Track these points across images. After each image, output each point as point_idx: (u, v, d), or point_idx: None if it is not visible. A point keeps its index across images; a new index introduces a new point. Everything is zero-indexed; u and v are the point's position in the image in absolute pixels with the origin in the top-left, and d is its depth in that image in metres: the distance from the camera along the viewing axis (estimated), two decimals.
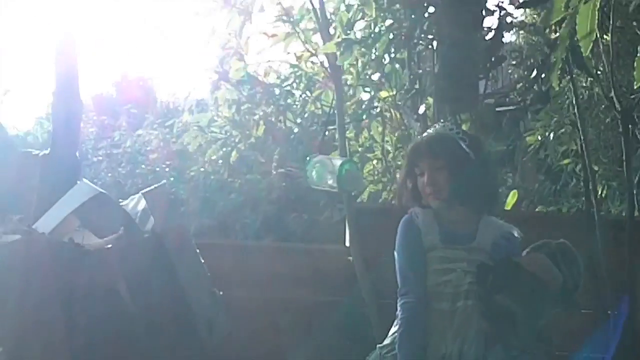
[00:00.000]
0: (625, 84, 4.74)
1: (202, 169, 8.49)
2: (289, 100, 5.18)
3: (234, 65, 4.95)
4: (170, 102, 15.28)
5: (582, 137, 4.09)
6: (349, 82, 4.57)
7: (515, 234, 3.11)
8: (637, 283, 3.94)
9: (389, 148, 5.22)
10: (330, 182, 3.66)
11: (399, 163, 5.50)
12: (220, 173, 9.22)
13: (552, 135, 6.45)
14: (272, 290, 3.84)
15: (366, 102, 4.75)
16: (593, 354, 3.80)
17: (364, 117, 4.66)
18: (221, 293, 3.19)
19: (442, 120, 3.11)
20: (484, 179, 3.07)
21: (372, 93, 4.57)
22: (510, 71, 7.97)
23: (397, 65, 4.21)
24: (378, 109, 4.62)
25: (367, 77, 4.45)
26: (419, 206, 3.06)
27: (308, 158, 3.62)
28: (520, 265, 2.94)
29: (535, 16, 7.92)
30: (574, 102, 4.09)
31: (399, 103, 4.23)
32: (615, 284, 3.91)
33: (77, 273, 3.10)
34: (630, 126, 4.00)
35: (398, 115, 4.36)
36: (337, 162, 3.65)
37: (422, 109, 3.89)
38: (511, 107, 6.82)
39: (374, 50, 4.03)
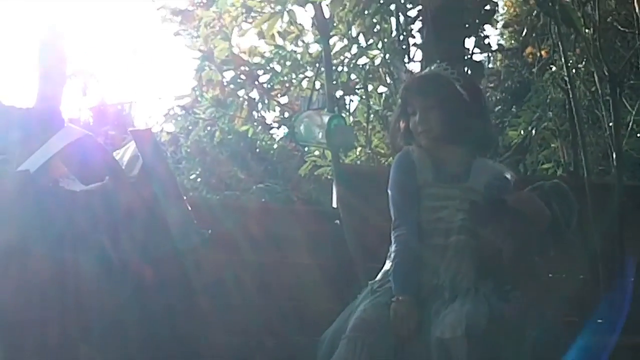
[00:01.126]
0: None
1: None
2: (273, 84, 5.15)
3: (218, 45, 4.92)
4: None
5: (572, 100, 4.06)
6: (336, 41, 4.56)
7: (508, 176, 3.11)
8: (625, 247, 3.92)
9: (374, 133, 5.23)
10: (319, 137, 3.64)
11: (382, 151, 5.50)
12: (199, 190, 9.16)
13: (534, 131, 6.48)
14: (258, 252, 3.77)
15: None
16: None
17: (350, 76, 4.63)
18: (210, 231, 3.13)
19: (438, 61, 3.09)
20: (478, 120, 3.05)
21: (360, 49, 4.54)
22: (488, 94, 8.04)
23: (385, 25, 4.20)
24: (367, 68, 4.59)
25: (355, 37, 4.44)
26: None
27: (295, 115, 3.59)
28: (506, 203, 2.93)
29: (513, 41, 8.02)
30: (562, 60, 4.05)
31: (388, 61, 4.22)
32: (607, 248, 3.88)
33: (58, 213, 3.03)
34: (618, 89, 4.01)
35: (386, 76, 4.35)
36: (326, 117, 3.63)
37: (410, 66, 3.89)
38: None
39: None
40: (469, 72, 3.71)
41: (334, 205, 3.88)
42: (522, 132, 6.31)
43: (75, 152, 3.18)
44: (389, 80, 4.48)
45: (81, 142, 3.19)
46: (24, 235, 2.98)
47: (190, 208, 3.26)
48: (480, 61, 4.03)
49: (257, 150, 9.65)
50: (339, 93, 4.97)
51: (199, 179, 9.06)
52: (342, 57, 4.81)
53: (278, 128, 8.05)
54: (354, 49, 4.62)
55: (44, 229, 3.01)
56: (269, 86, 5.13)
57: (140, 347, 3.14)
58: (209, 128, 5.56)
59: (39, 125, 3.53)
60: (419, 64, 4.01)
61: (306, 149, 7.88)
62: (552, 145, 6.71)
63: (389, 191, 3.02)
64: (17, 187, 2.96)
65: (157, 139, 3.47)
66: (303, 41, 4.90)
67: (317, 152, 5.13)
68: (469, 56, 4.06)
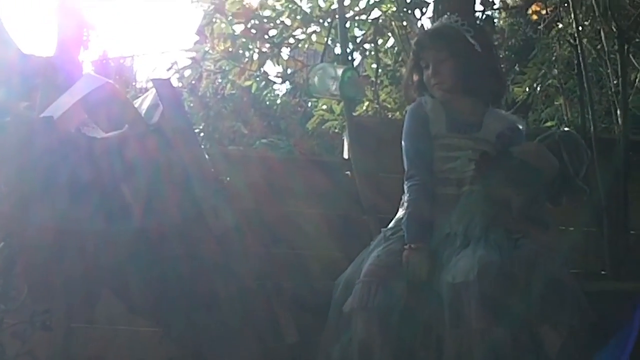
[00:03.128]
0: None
1: None
2: (282, 38, 5.17)
3: None
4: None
5: (580, 53, 4.11)
6: None
7: (520, 126, 3.19)
8: (629, 201, 3.98)
9: (382, 87, 5.27)
10: (332, 88, 3.71)
11: (389, 106, 5.55)
12: (203, 145, 9.18)
13: (539, 88, 6.51)
14: (268, 203, 3.83)
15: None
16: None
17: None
18: (228, 179, 3.20)
19: (448, 13, 3.15)
20: (489, 70, 3.12)
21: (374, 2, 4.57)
22: None
23: None
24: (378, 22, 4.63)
25: None
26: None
27: (310, 66, 3.64)
28: (511, 154, 3.00)
29: None
30: (572, 16, 4.10)
31: (401, 15, 4.28)
32: (611, 202, 3.95)
33: (81, 160, 3.09)
34: (626, 46, 4.06)
35: (398, 29, 4.39)
36: (340, 68, 3.69)
37: (422, 21, 3.95)
38: None
39: None
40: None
41: (345, 156, 3.95)
42: (527, 88, 6.32)
43: (96, 99, 3.23)
44: (400, 34, 4.52)
45: (102, 90, 3.25)
46: (47, 180, 3.05)
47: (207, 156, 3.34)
48: (490, 15, 4.07)
49: (260, 105, 9.68)
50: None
51: (202, 134, 9.09)
52: (351, 11, 4.83)
53: (281, 83, 8.03)
54: (363, 3, 4.66)
55: (66, 175, 3.08)
56: (278, 40, 5.15)
57: (155, 292, 3.21)
58: (219, 80, 5.60)
59: (59, 73, 3.59)
60: (430, 19, 4.05)
61: (310, 104, 7.90)
62: (556, 102, 6.74)
63: (403, 142, 3.10)
64: (41, 133, 3.03)
65: (176, 88, 3.51)
66: None
67: (324, 107, 5.18)
68: (480, 11, 4.10)
